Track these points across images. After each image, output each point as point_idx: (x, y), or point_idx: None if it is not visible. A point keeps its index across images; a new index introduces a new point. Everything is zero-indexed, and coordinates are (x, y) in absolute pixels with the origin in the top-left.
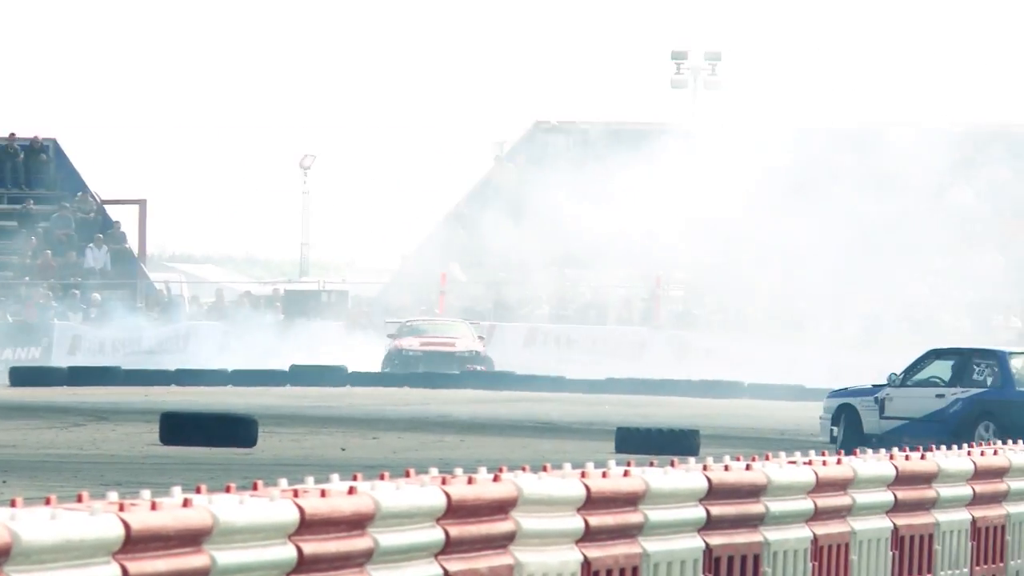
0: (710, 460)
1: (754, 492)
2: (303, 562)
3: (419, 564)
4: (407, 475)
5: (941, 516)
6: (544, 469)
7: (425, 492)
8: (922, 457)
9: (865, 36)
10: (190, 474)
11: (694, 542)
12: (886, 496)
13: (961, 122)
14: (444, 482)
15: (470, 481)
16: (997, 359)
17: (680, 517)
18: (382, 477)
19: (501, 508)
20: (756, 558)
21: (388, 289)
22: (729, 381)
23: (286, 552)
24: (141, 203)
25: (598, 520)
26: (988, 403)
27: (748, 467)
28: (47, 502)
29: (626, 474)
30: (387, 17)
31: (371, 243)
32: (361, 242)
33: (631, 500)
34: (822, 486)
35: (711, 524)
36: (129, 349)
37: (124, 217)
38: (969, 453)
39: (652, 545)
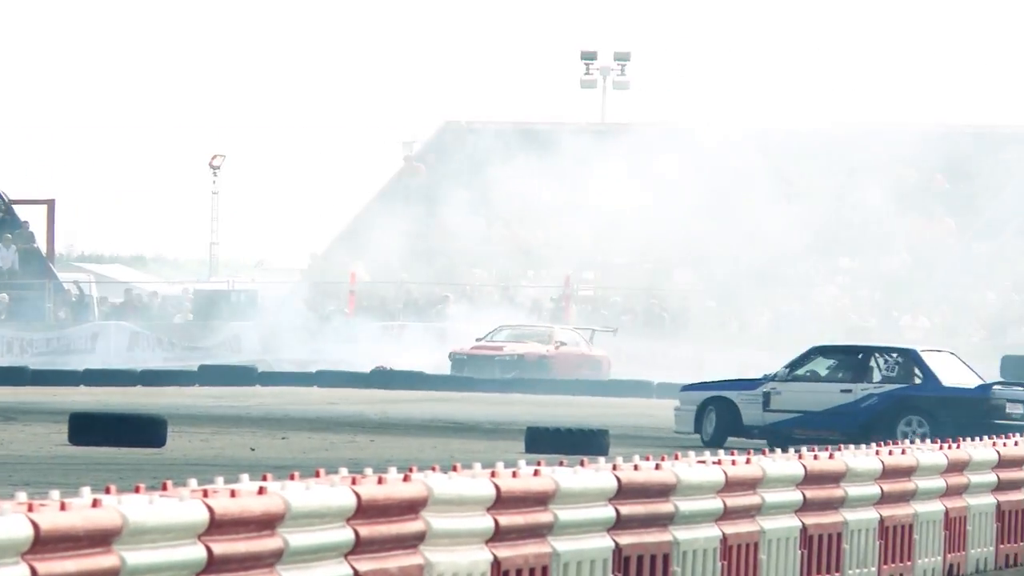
0: (619, 460)
1: (663, 492)
2: (213, 562)
3: (329, 564)
4: (317, 475)
5: (849, 515)
6: (454, 469)
7: (335, 492)
8: (831, 456)
9: (769, 36)
10: (99, 474)
11: (604, 542)
12: (795, 495)
13: (868, 122)
14: (354, 482)
15: (380, 481)
16: (909, 356)
17: (590, 517)
18: (292, 477)
19: (411, 508)
20: (666, 557)
21: (298, 289)
22: (638, 381)
23: (196, 552)
24: (49, 203)
25: (508, 520)
26: (914, 399)
27: (657, 467)
28: None
29: (536, 474)
30: (296, 17)
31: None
32: (271, 242)
33: (541, 500)
34: (731, 485)
35: (620, 524)
36: (38, 349)
37: (32, 217)
38: (877, 452)
39: (562, 545)
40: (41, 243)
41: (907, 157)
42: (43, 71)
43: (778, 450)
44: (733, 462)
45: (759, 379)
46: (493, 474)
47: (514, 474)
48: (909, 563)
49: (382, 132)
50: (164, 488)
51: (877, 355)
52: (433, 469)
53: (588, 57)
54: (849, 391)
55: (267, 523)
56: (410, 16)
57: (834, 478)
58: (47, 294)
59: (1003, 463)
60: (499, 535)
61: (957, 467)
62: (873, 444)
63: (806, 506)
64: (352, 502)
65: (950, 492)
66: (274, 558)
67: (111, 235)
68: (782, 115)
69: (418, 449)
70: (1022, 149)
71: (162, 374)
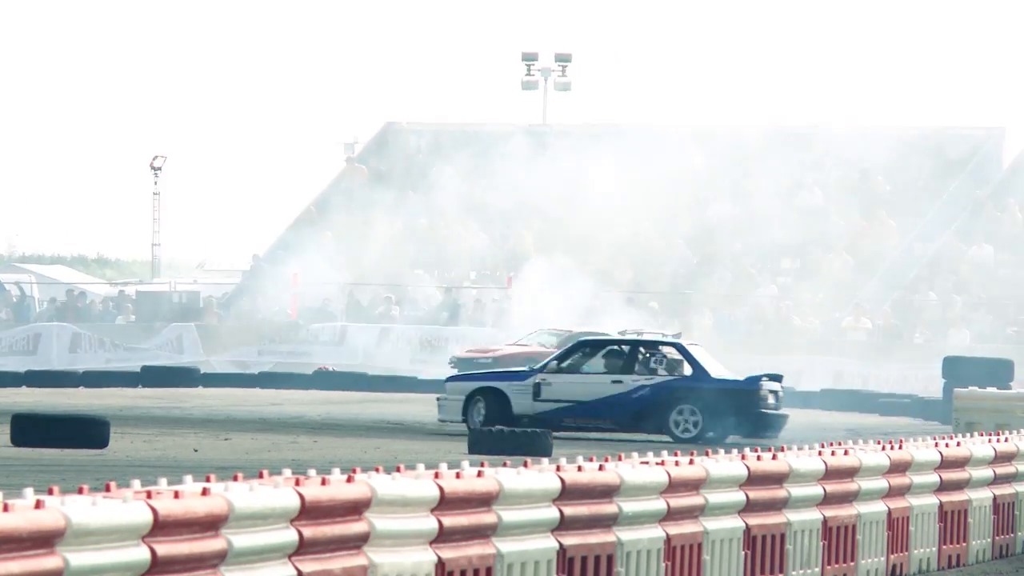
0: (563, 461)
1: (607, 492)
2: (156, 563)
3: (273, 565)
4: (260, 476)
5: (792, 516)
6: (398, 470)
7: (279, 493)
8: (774, 457)
9: (711, 36)
10: (42, 476)
11: (548, 542)
12: (738, 496)
13: (810, 123)
14: (298, 483)
15: (324, 482)
16: (677, 349)
17: (533, 518)
18: (235, 478)
19: (355, 509)
20: (610, 558)
21: (240, 290)
22: None
23: (140, 553)
24: None
25: (452, 521)
26: (687, 390)
27: (601, 467)
28: None
29: (479, 475)
30: (237, 17)
31: (223, 244)
32: (213, 243)
33: (484, 501)
34: (675, 486)
35: (564, 524)
36: None
37: None
38: (820, 453)
39: (506, 546)
40: None
41: (849, 158)
42: None
43: (721, 451)
44: (676, 463)
45: (528, 371)
46: (436, 475)
47: (457, 475)
48: (852, 563)
49: (323, 133)
50: (107, 489)
51: (644, 348)
52: (377, 470)
53: (529, 58)
54: (620, 382)
55: (211, 524)
56: (351, 17)
57: (777, 479)
58: None
59: (945, 464)
60: (443, 536)
61: (899, 468)
62: (816, 444)
63: (749, 507)
64: (296, 503)
65: (892, 493)
66: (218, 559)
67: (53, 236)
68: (724, 115)
69: (361, 450)
70: (965, 150)
71: (104, 375)
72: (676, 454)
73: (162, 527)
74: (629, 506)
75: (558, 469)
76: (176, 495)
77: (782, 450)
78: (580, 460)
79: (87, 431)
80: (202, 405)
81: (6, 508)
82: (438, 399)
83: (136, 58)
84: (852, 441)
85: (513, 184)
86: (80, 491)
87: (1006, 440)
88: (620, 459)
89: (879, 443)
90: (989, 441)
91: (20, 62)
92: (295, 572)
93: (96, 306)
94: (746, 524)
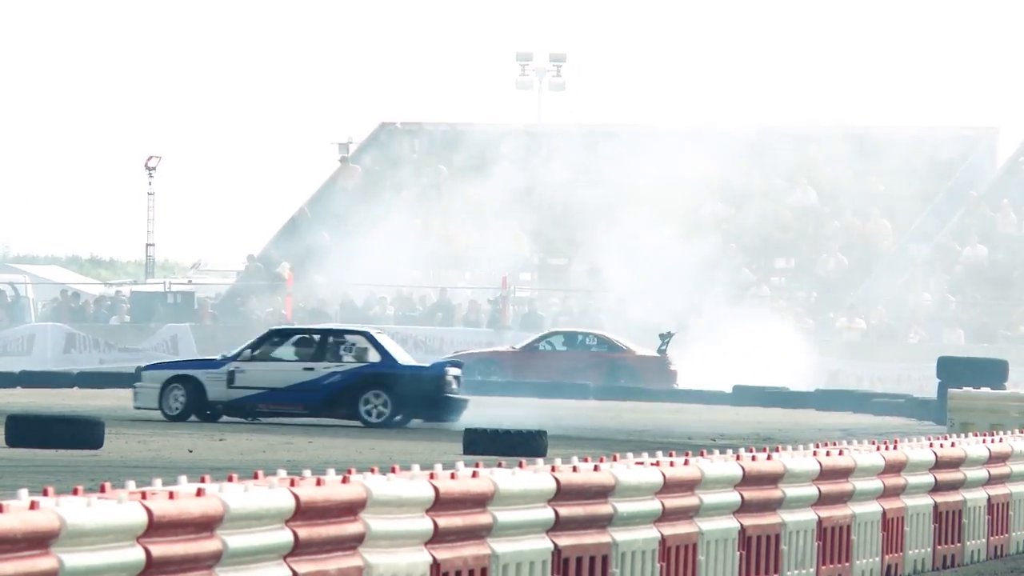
0: (558, 461)
1: (602, 493)
2: (151, 564)
3: (268, 566)
4: (255, 477)
5: (787, 516)
6: (393, 470)
7: (274, 494)
8: (768, 458)
9: (706, 35)
10: (36, 476)
11: (543, 543)
12: (733, 496)
13: (803, 121)
14: (293, 484)
15: (319, 483)
16: (365, 337)
17: (529, 518)
18: (230, 479)
19: (350, 510)
20: (605, 559)
21: (234, 290)
22: (576, 383)
23: (134, 554)
24: None
25: (447, 521)
26: (376, 376)
27: (596, 468)
28: None
29: (475, 475)
30: (232, 17)
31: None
32: (208, 243)
33: (480, 501)
34: (669, 487)
35: (559, 525)
36: None
37: None
38: (815, 454)
39: (501, 546)
40: None
41: (843, 158)
42: None
43: (716, 451)
44: (671, 463)
45: (222, 359)
46: (432, 476)
47: (453, 476)
48: (847, 564)
49: (318, 133)
50: (102, 490)
51: (333, 337)
52: (372, 471)
53: (524, 58)
54: (312, 369)
55: (206, 525)
56: (345, 17)
57: (772, 479)
58: None
59: (940, 464)
60: (438, 536)
61: (894, 468)
62: (811, 445)
63: (744, 507)
64: (291, 504)
65: (887, 493)
66: (213, 560)
67: (47, 236)
68: (718, 115)
69: (356, 451)
70: (958, 150)
71: (99, 376)
72: (671, 454)
73: (157, 528)
74: (624, 507)
75: (553, 470)
76: (171, 496)
77: (776, 450)
78: (575, 460)
79: (82, 432)
80: None
81: (1, 509)
82: (134, 387)
83: (131, 58)
84: (847, 441)
85: (507, 183)
86: (75, 492)
87: (1001, 440)
88: (615, 459)
89: (874, 443)
90: (984, 442)
91: (15, 62)
92: (290, 573)
93: (90, 306)
94: (741, 525)
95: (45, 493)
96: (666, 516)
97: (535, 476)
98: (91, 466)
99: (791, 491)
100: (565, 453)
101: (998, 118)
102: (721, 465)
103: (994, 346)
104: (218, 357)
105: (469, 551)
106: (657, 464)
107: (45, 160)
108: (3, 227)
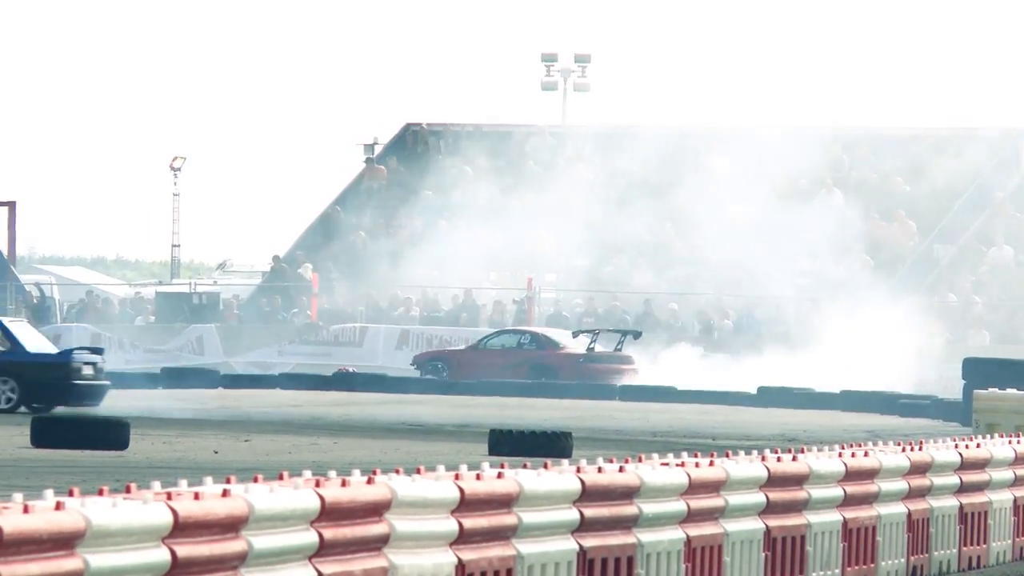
0: (583, 462)
1: (627, 494)
2: (176, 565)
3: (293, 567)
4: (281, 478)
5: (813, 517)
6: (418, 471)
7: (299, 495)
8: (794, 459)
9: (734, 37)
10: (62, 477)
11: (568, 544)
12: (758, 497)
13: (829, 124)
14: (318, 485)
15: (344, 484)
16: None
17: (554, 519)
18: (256, 480)
19: (375, 510)
20: (630, 560)
21: (260, 291)
22: (602, 383)
23: (159, 555)
24: (10, 205)
25: (472, 522)
26: (4, 363)
27: (621, 469)
28: None
29: (500, 476)
30: (258, 18)
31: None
32: (233, 244)
33: (505, 502)
34: (695, 488)
35: (584, 526)
36: None
37: None
38: (840, 455)
39: (526, 547)
40: (2, 245)
41: (868, 158)
42: (3, 75)
43: (742, 452)
44: (696, 464)
45: None
46: (457, 476)
47: (478, 476)
48: (872, 565)
49: (343, 134)
50: (127, 491)
51: None
52: (397, 471)
53: (549, 59)
54: None
55: (231, 526)
56: (371, 19)
57: (797, 480)
58: (8, 296)
59: (965, 465)
60: (463, 537)
61: (920, 469)
62: (836, 446)
63: (769, 508)
64: (316, 505)
65: (913, 494)
66: (238, 561)
67: (72, 237)
68: (743, 116)
69: (381, 451)
70: (983, 151)
71: (124, 377)
72: (696, 455)
73: (182, 529)
74: (649, 508)
75: (578, 471)
76: (196, 496)
77: (802, 451)
78: (600, 462)
79: (107, 433)
80: (222, 406)
81: (26, 510)
82: None
83: (156, 60)
84: (872, 442)
85: (532, 184)
86: (100, 492)
87: None
88: (640, 460)
89: (899, 444)
90: (1009, 443)
91: (42, 66)
92: (315, 573)
93: (116, 307)
94: (766, 526)
95: (71, 494)
96: (691, 517)
97: (560, 477)
98: (116, 467)
99: (816, 492)
100: (591, 454)
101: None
102: (746, 466)
103: (1020, 347)
104: None
105: (494, 552)
106: (682, 465)
107: (71, 162)
108: (29, 228)
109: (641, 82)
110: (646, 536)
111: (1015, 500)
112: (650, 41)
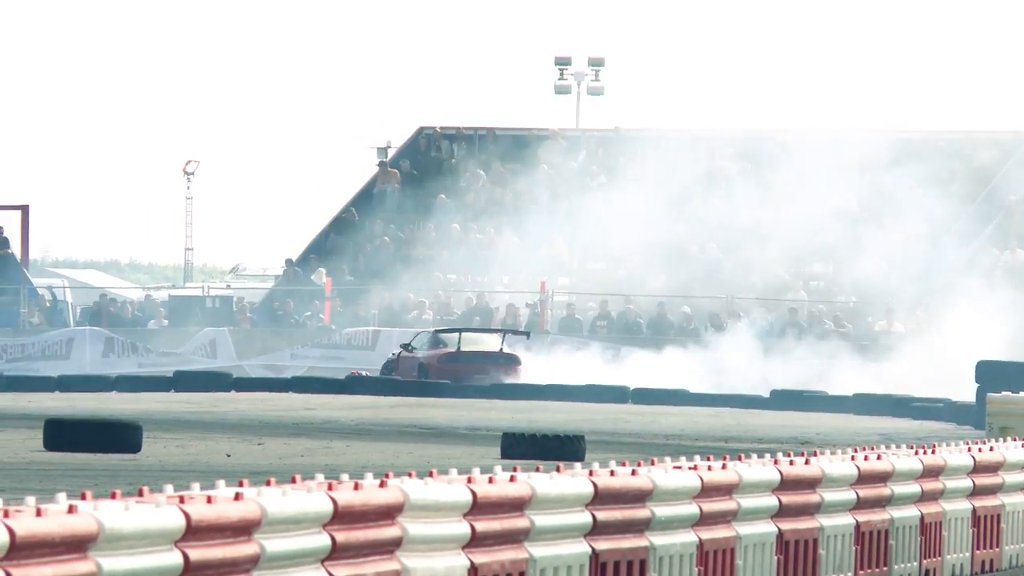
0: (596, 465)
1: (640, 497)
2: (189, 568)
3: (305, 570)
4: (293, 481)
5: (825, 521)
6: (430, 475)
7: (311, 498)
8: (806, 462)
9: (749, 41)
10: (75, 480)
11: (580, 547)
12: (771, 501)
13: (845, 127)
14: (331, 488)
15: (356, 487)
16: None
17: (566, 522)
18: (268, 483)
19: (387, 514)
20: (642, 563)
21: (273, 294)
22: (614, 386)
23: (172, 558)
24: (24, 208)
25: (484, 525)
26: None
27: (634, 472)
28: None
29: (512, 479)
30: (270, 22)
31: (256, 248)
32: (246, 247)
33: (517, 505)
34: (707, 491)
35: (597, 529)
36: (11, 355)
37: (6, 222)
38: (852, 458)
39: (539, 550)
40: (15, 248)
41: (882, 162)
42: (17, 78)
43: (754, 455)
44: (709, 467)
45: None
46: (469, 480)
47: (490, 480)
48: (885, 568)
49: (357, 137)
50: (140, 494)
51: None
52: (409, 475)
53: (562, 63)
54: None
55: (244, 529)
56: (384, 23)
57: (810, 483)
58: (21, 300)
59: (978, 468)
60: (476, 541)
61: (932, 472)
62: (849, 449)
63: (782, 511)
64: (328, 508)
65: (925, 497)
66: (251, 564)
67: (85, 240)
68: (757, 119)
69: (394, 455)
70: (997, 154)
71: (137, 380)
72: (709, 458)
73: (195, 532)
74: (662, 511)
75: (591, 474)
76: (209, 500)
77: (814, 455)
78: (613, 465)
79: (120, 436)
80: (235, 410)
81: (39, 513)
82: None
83: (169, 64)
84: (885, 446)
85: (545, 188)
86: (113, 496)
87: None
88: (653, 463)
89: (912, 447)
90: (1023, 446)
91: (55, 71)
92: None
93: (129, 311)
94: (779, 529)
95: (83, 497)
96: (704, 520)
97: (573, 480)
98: (129, 470)
99: (829, 495)
100: (603, 457)
101: None
102: (759, 469)
103: None
104: None
105: (507, 555)
106: (695, 468)
107: (84, 165)
108: (42, 232)
109: (655, 86)
110: (659, 539)
111: None
112: (664, 45)
